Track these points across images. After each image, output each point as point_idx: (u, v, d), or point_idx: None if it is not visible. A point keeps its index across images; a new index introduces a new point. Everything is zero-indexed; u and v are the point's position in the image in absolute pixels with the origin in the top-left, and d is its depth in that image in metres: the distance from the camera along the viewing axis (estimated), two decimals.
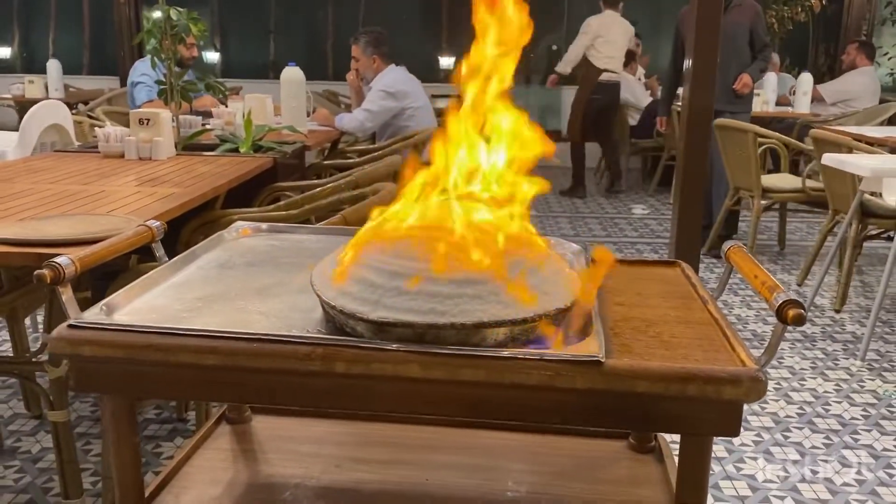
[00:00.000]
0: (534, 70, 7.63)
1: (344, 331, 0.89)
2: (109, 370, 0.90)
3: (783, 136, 4.33)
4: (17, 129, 3.08)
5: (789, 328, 0.86)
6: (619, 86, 6.08)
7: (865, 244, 3.81)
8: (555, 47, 7.33)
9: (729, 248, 1.11)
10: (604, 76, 5.93)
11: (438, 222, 0.90)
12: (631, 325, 0.99)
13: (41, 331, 2.86)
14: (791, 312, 0.85)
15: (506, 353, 0.84)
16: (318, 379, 0.86)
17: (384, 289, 0.86)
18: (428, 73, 6.43)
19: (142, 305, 0.99)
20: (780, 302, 0.86)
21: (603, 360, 0.83)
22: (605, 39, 5.85)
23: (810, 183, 4.08)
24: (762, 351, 0.86)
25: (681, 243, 2.86)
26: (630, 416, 0.86)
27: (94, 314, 0.92)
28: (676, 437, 0.91)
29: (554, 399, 0.85)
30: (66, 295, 0.93)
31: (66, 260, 0.94)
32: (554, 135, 6.71)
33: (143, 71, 3.96)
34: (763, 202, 4.17)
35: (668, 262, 1.28)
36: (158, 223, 1.18)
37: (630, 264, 1.28)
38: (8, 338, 2.45)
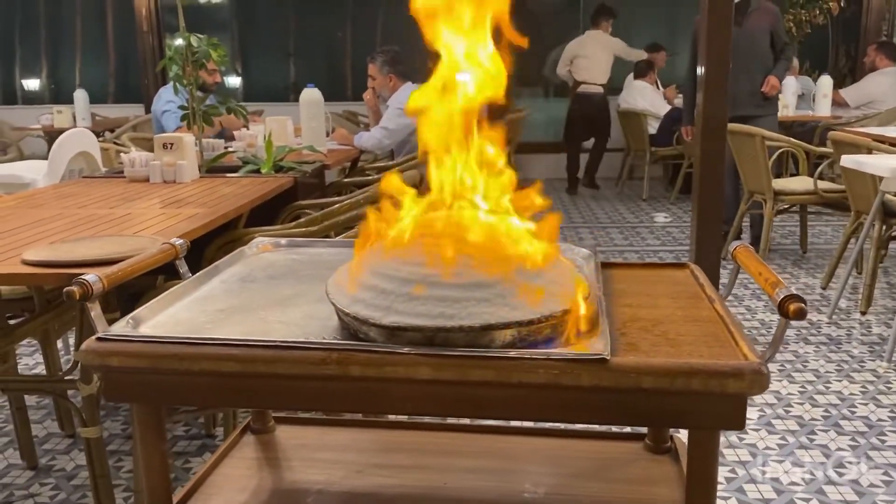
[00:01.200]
0: (549, 83, 7.76)
1: (358, 336, 0.93)
2: (136, 380, 0.94)
3: (792, 140, 4.32)
4: (46, 158, 3.18)
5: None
6: (599, 95, 6.60)
7: (891, 245, 3.76)
8: None
9: (735, 248, 1.13)
10: (581, 88, 6.61)
11: (446, 229, 0.94)
12: (638, 324, 1.01)
13: (72, 352, 2.93)
14: (792, 307, 0.87)
15: (513, 353, 0.87)
16: (333, 383, 0.90)
17: (395, 295, 0.90)
18: None
19: (166, 318, 1.04)
20: (782, 297, 0.88)
21: (608, 358, 0.85)
22: (582, 56, 6.60)
23: (822, 184, 4.07)
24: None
25: (700, 248, 2.86)
26: (637, 412, 0.88)
27: (120, 327, 0.97)
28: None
29: (561, 396, 0.87)
30: (95, 311, 0.98)
31: (93, 277, 0.99)
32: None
33: (168, 98, 4.04)
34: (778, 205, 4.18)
35: (678, 264, 1.30)
36: (182, 241, 1.23)
37: (640, 267, 1.31)
38: (41, 360, 2.52)
